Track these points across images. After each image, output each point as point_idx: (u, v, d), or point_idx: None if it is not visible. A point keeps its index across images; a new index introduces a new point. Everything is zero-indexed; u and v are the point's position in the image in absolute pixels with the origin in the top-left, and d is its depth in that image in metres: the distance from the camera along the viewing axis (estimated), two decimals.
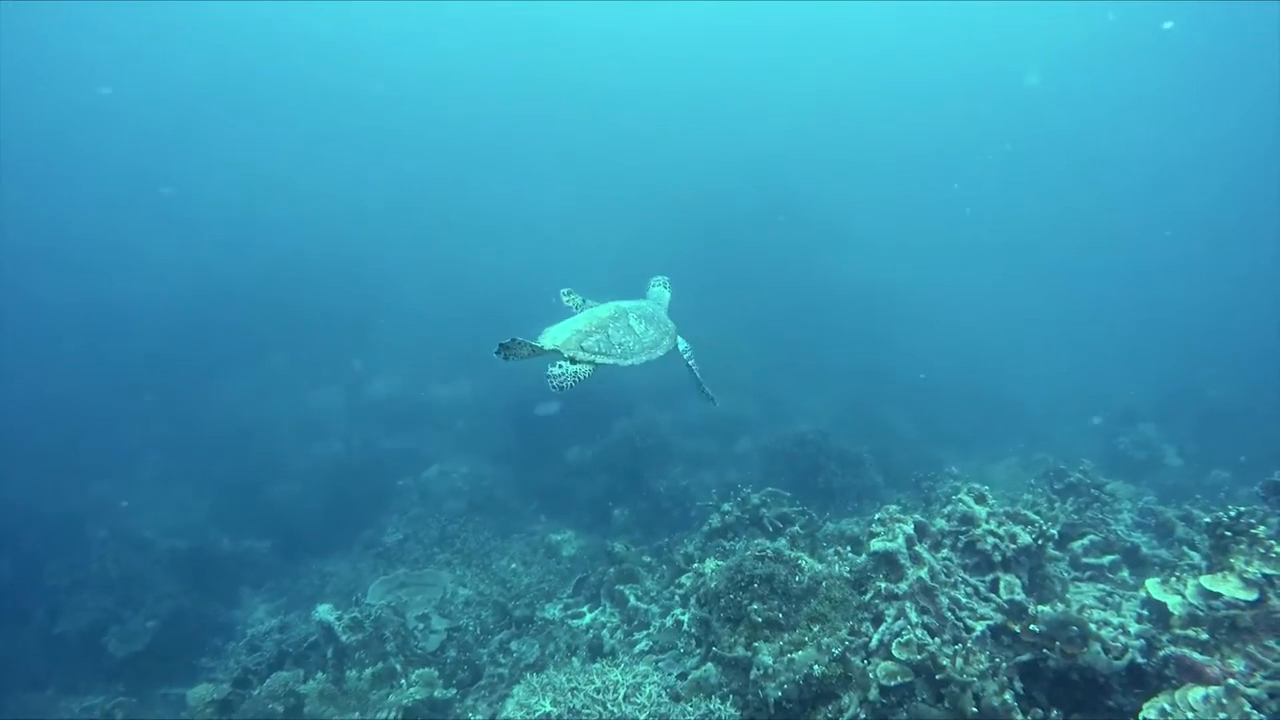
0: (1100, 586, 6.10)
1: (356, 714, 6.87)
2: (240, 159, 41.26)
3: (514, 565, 10.45)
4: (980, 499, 5.92)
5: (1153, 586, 5.13)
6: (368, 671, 7.04)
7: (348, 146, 44.08)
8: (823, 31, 44.80)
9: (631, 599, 8.21)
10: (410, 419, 19.12)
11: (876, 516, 5.70)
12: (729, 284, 23.35)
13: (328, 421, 19.38)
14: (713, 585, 5.82)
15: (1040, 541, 5.48)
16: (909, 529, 5.49)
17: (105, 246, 30.45)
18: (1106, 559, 6.36)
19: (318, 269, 27.45)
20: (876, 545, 5.39)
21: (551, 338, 4.75)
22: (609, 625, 8.13)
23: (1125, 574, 6.32)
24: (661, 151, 41.50)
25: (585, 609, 8.65)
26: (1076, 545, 6.49)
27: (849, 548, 6.36)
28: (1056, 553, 5.81)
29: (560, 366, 4.65)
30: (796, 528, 8.00)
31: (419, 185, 42.44)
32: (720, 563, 6.49)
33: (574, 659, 7.80)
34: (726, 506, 8.26)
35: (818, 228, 28.11)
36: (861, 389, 21.28)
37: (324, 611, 8.00)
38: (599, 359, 4.75)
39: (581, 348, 4.71)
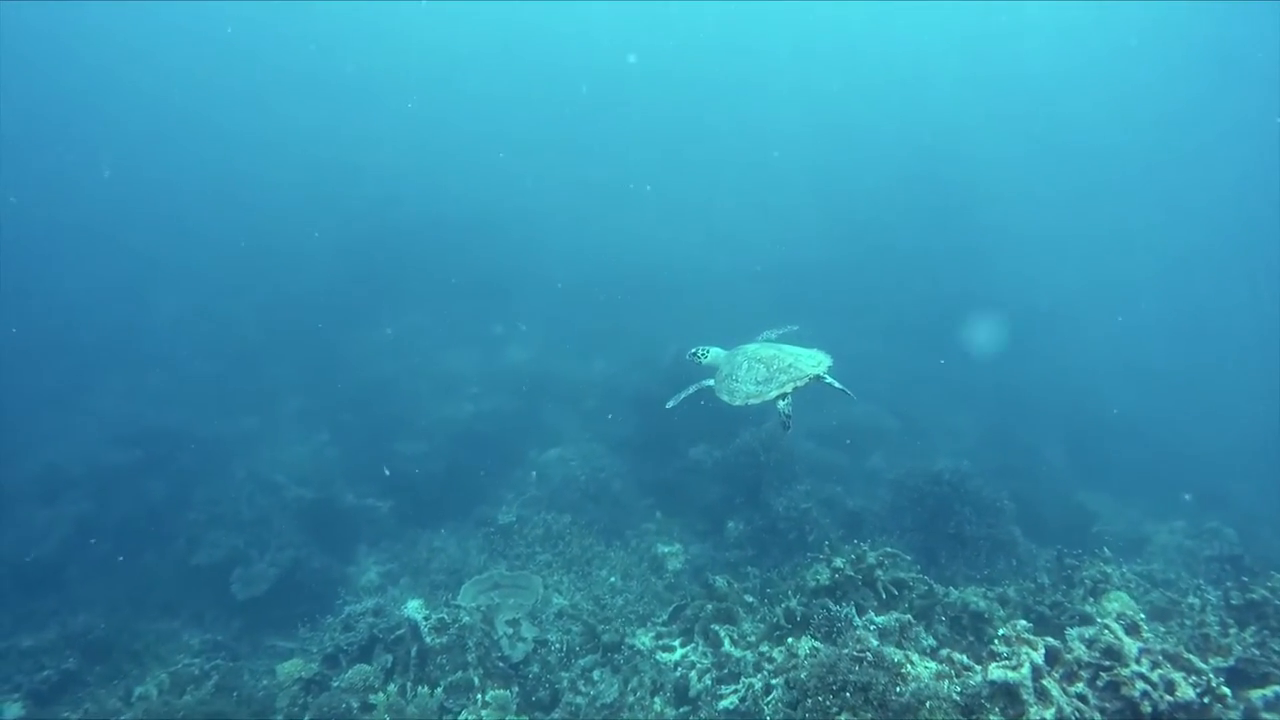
0: None
1: None
2: (409, 123, 43.76)
3: (614, 579, 10.24)
4: (1133, 629, 5.00)
5: None
6: (439, 690, 7.02)
7: (516, 119, 45.67)
8: (993, 24, 41.87)
9: (726, 643, 7.77)
10: (540, 390, 19.27)
11: (1000, 632, 4.96)
12: (874, 285, 22.05)
13: (460, 384, 19.81)
14: (803, 676, 5.28)
15: (1207, 700, 4.54)
16: (1038, 657, 4.71)
17: (275, 193, 32.76)
18: None
19: (468, 231, 28.17)
20: (996, 673, 4.65)
21: (804, 369, 5.74)
22: (699, 666, 7.73)
23: None
24: (813, 146, 40.15)
25: (677, 643, 8.27)
26: (1256, 695, 5.36)
27: (965, 654, 5.59)
28: (1232, 704, 4.81)
29: (831, 377, 5.75)
30: (914, 598, 7.26)
31: (579, 162, 43.14)
32: (816, 644, 5.92)
33: (656, 700, 7.51)
34: (839, 562, 7.58)
35: (975, 230, 26.00)
36: (1011, 409, 19.61)
37: (413, 609, 8.07)
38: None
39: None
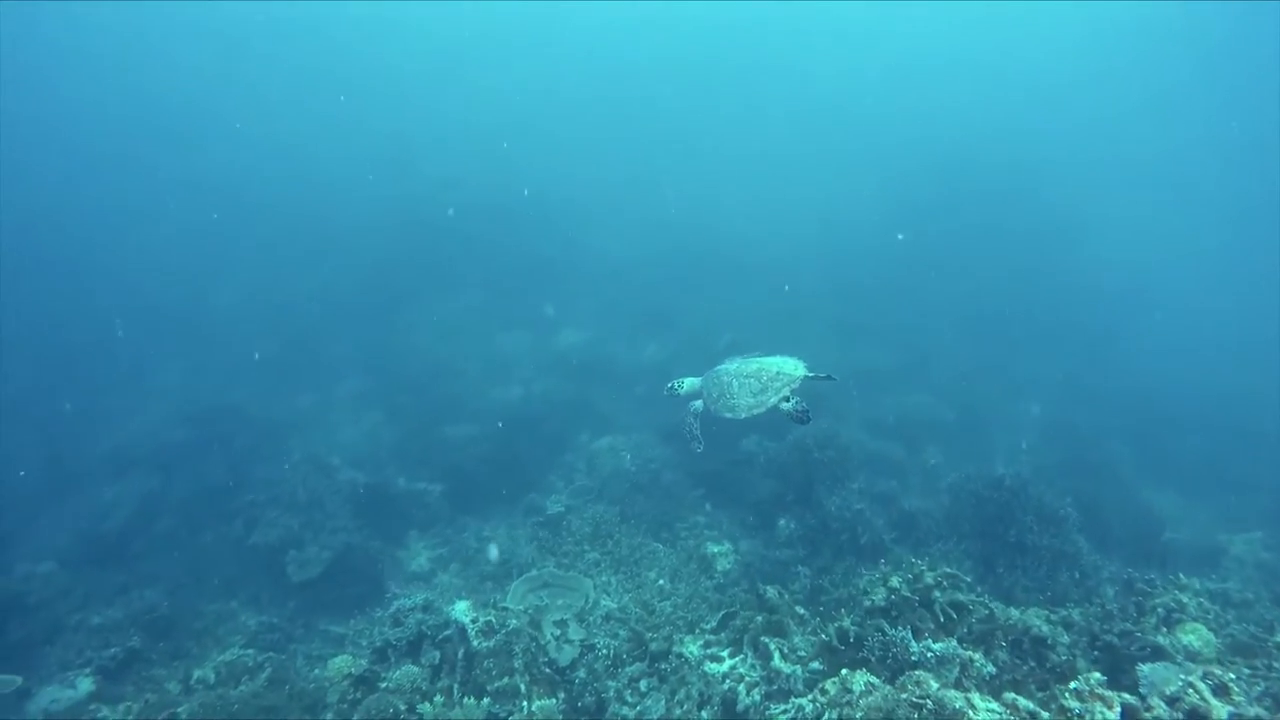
0: None
1: None
2: (465, 103, 43.96)
3: (662, 581, 10.15)
4: (1221, 690, 4.68)
5: None
6: (486, 700, 7.02)
7: (574, 101, 45.58)
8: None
9: (776, 657, 7.62)
10: (592, 374, 19.19)
11: (1073, 686, 4.68)
12: (935, 270, 21.34)
13: (512, 366, 19.80)
14: (857, 717, 5.10)
15: None
16: (1113, 717, 4.45)
17: (335, 175, 33.15)
18: None
19: (524, 214, 28.00)
20: None
21: (792, 373, 6.98)
22: (747, 680, 7.60)
23: None
24: (871, 133, 39.33)
25: (725, 653, 8.15)
26: None
27: (1029, 688, 5.32)
28: None
29: (812, 372, 7.02)
30: (973, 623, 6.99)
31: (634, 145, 42.87)
32: (872, 680, 5.71)
33: (703, 713, 7.42)
34: (895, 582, 7.34)
35: (1038, 215, 24.96)
36: (1075, 399, 18.88)
37: (460, 611, 8.08)
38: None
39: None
